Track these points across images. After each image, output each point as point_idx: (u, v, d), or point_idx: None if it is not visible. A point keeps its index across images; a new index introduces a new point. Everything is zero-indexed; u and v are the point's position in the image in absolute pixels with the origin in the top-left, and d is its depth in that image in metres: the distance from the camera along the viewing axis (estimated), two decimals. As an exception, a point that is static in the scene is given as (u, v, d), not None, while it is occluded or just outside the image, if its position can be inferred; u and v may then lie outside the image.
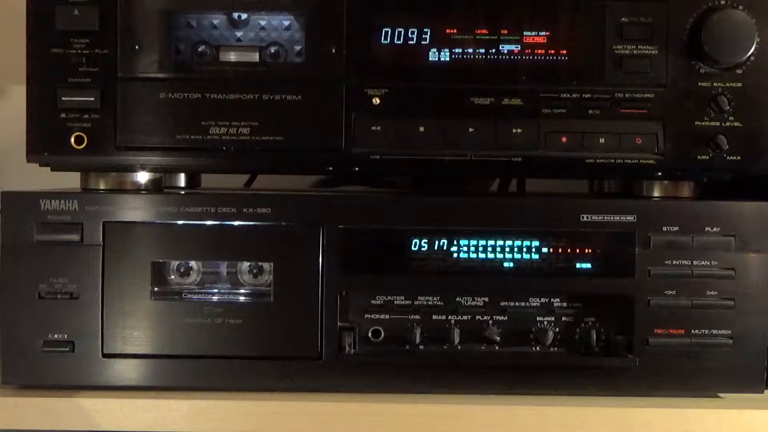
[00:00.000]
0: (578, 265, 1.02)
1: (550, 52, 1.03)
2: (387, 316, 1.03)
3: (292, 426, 1.00)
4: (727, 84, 1.02)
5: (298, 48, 1.02)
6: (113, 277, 1.01)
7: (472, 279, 1.02)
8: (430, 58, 1.03)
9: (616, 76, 1.02)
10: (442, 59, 1.03)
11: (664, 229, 1.02)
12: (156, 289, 1.02)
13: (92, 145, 1.01)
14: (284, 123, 1.02)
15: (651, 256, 1.02)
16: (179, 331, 1.01)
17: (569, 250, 1.02)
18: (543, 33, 1.03)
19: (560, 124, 1.02)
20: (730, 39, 1.00)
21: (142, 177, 1.05)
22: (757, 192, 1.04)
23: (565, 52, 1.03)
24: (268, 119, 1.02)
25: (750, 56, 1.01)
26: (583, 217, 1.02)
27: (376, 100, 1.02)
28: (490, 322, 1.03)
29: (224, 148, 1.02)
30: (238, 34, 1.02)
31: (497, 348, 1.03)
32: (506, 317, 1.03)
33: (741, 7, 1.01)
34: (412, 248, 1.02)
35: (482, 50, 1.03)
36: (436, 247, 1.02)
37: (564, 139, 1.03)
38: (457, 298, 1.03)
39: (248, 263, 1.02)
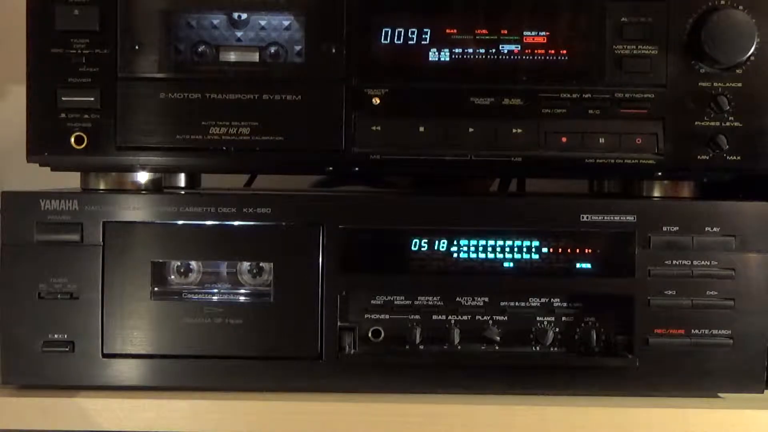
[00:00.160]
0: (578, 265, 1.02)
1: (550, 52, 1.03)
2: (387, 316, 1.03)
3: (292, 426, 1.00)
4: (727, 84, 1.02)
5: (298, 48, 1.02)
6: (113, 277, 1.01)
7: (472, 279, 1.02)
8: (430, 58, 1.03)
9: (616, 76, 1.02)
10: (442, 59, 1.03)
11: (664, 229, 1.02)
12: (156, 289, 1.02)
13: (92, 145, 1.01)
14: (284, 123, 1.02)
15: (651, 256, 1.02)
16: (179, 331, 1.01)
17: (569, 250, 1.02)
18: (543, 33, 1.03)
19: (560, 124, 1.02)
20: (730, 39, 1.00)
21: (142, 177, 1.05)
22: (757, 192, 1.04)
23: (565, 52, 1.03)
24: (268, 119, 1.02)
25: (750, 56, 1.01)
26: (583, 217, 1.02)
27: (376, 100, 1.02)
28: (490, 322, 1.03)
29: (224, 148, 1.02)
30: (238, 34, 1.02)
31: (497, 348, 1.03)
32: (506, 317, 1.03)
33: (741, 7, 1.01)
34: (412, 248, 1.02)
35: (482, 50, 1.03)
36: (436, 247, 1.02)
37: (564, 139, 1.03)
38: (457, 298, 1.03)
39: (248, 263, 1.02)
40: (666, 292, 1.01)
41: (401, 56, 1.03)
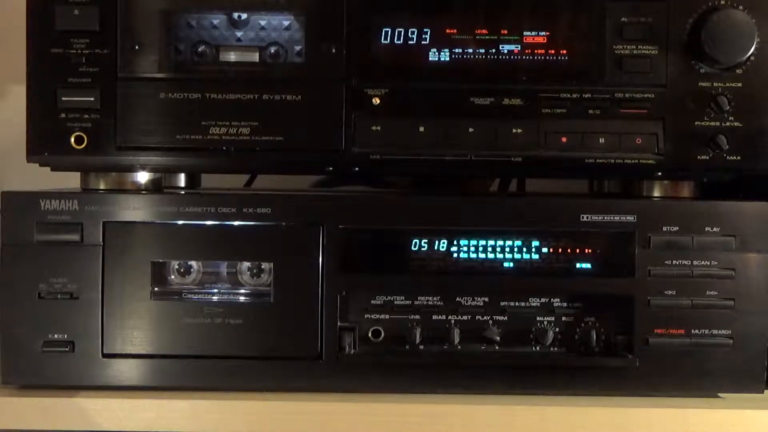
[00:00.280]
0: (578, 265, 1.02)
1: (550, 52, 1.03)
2: (387, 316, 1.03)
3: (292, 426, 1.00)
4: (727, 84, 1.02)
5: (298, 48, 1.02)
6: (113, 277, 1.01)
7: (472, 279, 1.02)
8: (430, 58, 1.03)
9: (616, 76, 1.02)
10: (442, 59, 1.03)
11: (664, 229, 1.02)
12: (156, 289, 1.02)
13: (92, 145, 1.01)
14: (284, 123, 1.02)
15: (651, 256, 1.02)
16: (179, 331, 1.01)
17: (569, 250, 1.02)
18: (543, 33, 1.03)
19: (560, 124, 1.03)
20: (730, 39, 1.00)
21: (142, 177, 1.05)
22: (757, 192, 1.04)
23: (565, 52, 1.03)
24: (268, 119, 1.02)
25: (750, 56, 1.01)
26: (583, 217, 1.02)
27: (376, 100, 1.02)
28: (490, 322, 1.03)
29: (224, 148, 1.02)
30: (238, 34, 1.02)
31: (497, 348, 1.03)
32: (506, 317, 1.03)
33: (741, 7, 1.01)
34: (412, 248, 1.02)
35: (482, 50, 1.03)
36: (436, 247, 1.02)
37: (564, 139, 1.03)
38: (457, 298, 1.03)
39: (248, 263, 1.02)
40: (666, 292, 1.01)
41: (401, 56, 1.03)
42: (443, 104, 1.02)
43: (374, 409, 1.00)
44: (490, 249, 1.02)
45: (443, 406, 1.00)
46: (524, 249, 1.02)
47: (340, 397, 1.01)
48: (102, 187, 1.05)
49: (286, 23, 1.02)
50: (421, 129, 1.02)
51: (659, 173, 1.03)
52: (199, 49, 1.02)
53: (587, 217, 1.02)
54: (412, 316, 1.03)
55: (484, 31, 1.03)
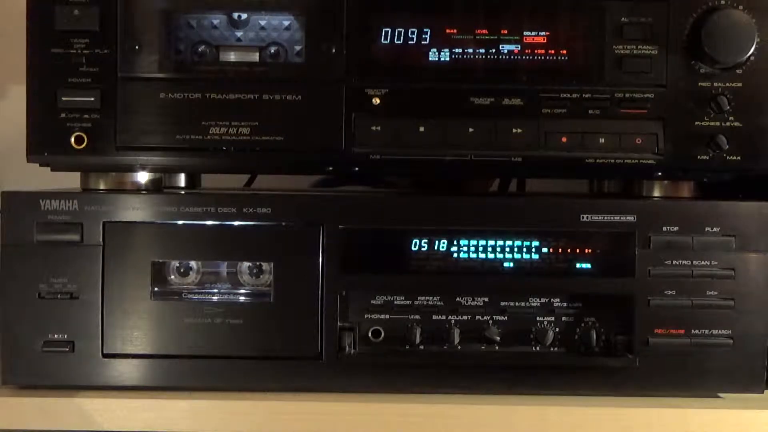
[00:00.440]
0: (578, 265, 1.02)
1: (550, 52, 1.03)
2: (387, 316, 1.03)
3: (292, 426, 1.00)
4: (727, 84, 1.02)
5: (298, 48, 1.02)
6: (113, 277, 1.01)
7: (472, 279, 1.02)
8: (430, 58, 1.03)
9: (616, 76, 1.02)
10: (442, 59, 1.03)
11: (664, 229, 1.02)
12: (156, 289, 1.02)
13: (92, 145, 1.01)
14: (284, 123, 1.02)
15: (651, 256, 1.02)
16: (179, 331, 1.01)
17: (569, 250, 1.02)
18: (543, 33, 1.03)
19: (560, 124, 1.03)
20: (730, 39, 1.00)
21: (142, 177, 1.06)
22: (757, 192, 1.04)
23: (565, 52, 1.03)
24: (268, 119, 1.02)
25: (750, 56, 1.01)
26: (583, 217, 1.02)
27: (376, 100, 1.02)
28: (490, 322, 1.03)
29: (224, 148, 1.02)
30: (238, 34, 1.02)
31: (497, 348, 1.03)
32: (506, 317, 1.03)
33: (741, 7, 1.01)
34: (412, 248, 1.02)
35: (482, 50, 1.03)
36: (436, 247, 1.02)
37: (564, 139, 1.03)
38: (457, 298, 1.03)
39: (248, 263, 1.02)
40: (666, 292, 1.01)
41: (401, 56, 1.03)
42: (443, 104, 1.02)
43: (374, 409, 1.00)
44: (490, 249, 1.02)
45: (443, 406, 1.00)
46: (524, 249, 1.02)
47: (340, 397, 1.01)
48: (102, 187, 1.05)
49: (286, 23, 1.02)
50: (421, 129, 1.02)
51: (659, 173, 1.03)
52: (199, 49, 1.02)
53: (587, 217, 1.02)
54: (412, 316, 1.03)
55: (484, 31, 1.03)
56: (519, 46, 1.03)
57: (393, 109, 1.02)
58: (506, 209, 1.03)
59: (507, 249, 1.02)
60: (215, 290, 1.03)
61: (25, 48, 1.01)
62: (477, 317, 1.03)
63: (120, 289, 1.01)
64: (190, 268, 1.03)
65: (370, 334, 1.03)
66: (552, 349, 1.03)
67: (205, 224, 1.01)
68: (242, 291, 1.03)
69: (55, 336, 1.00)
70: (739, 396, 1.03)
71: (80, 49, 1.01)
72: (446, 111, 1.02)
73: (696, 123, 1.02)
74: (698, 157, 1.02)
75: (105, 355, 1.01)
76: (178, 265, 1.02)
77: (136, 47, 1.02)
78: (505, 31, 1.03)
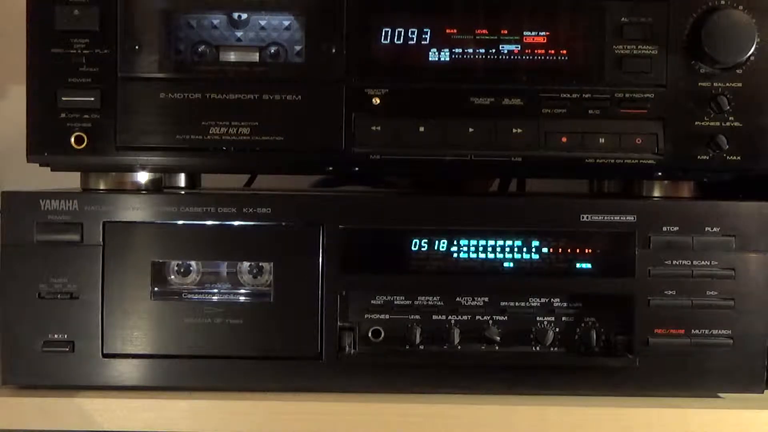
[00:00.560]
0: (578, 265, 1.02)
1: (550, 52, 1.03)
2: (387, 316, 1.03)
3: (292, 426, 1.00)
4: (727, 84, 1.02)
5: (298, 48, 1.02)
6: (113, 277, 1.01)
7: (472, 279, 1.02)
8: (430, 58, 1.03)
9: (616, 76, 1.02)
10: (442, 59, 1.03)
11: (664, 229, 1.02)
12: (156, 289, 1.02)
13: (92, 145, 1.01)
14: (284, 123, 1.02)
15: (651, 256, 1.02)
16: (179, 331, 1.01)
17: (569, 250, 1.02)
18: (543, 33, 1.03)
19: (560, 124, 1.03)
20: (730, 39, 1.00)
21: (142, 177, 1.06)
22: (757, 192, 1.04)
23: (565, 52, 1.03)
24: (268, 119, 1.02)
25: (750, 56, 1.01)
26: (583, 217, 1.02)
27: (376, 100, 1.02)
28: (490, 322, 1.03)
29: (224, 148, 1.02)
30: (238, 34, 1.02)
31: (497, 348, 1.03)
32: (506, 317, 1.03)
33: (741, 7, 1.01)
34: (412, 248, 1.02)
35: (482, 50, 1.03)
36: (436, 247, 1.02)
37: (564, 139, 1.03)
38: (457, 298, 1.03)
39: (248, 263, 1.02)
40: (666, 292, 1.01)
41: (401, 56, 1.03)
42: (443, 104, 1.02)
43: (374, 409, 1.00)
44: (490, 249, 1.02)
45: (443, 406, 1.00)
46: (524, 249, 1.02)
47: (340, 397, 1.01)
48: (102, 187, 1.05)
49: (286, 23, 1.02)
50: (421, 129, 1.02)
51: (659, 173, 1.03)
52: (199, 49, 1.02)
53: (587, 217, 1.02)
54: (412, 316, 1.03)
55: (484, 31, 1.03)
56: (519, 46, 1.03)
57: (393, 109, 1.02)
58: (506, 209, 1.03)
59: (507, 249, 1.02)
60: (215, 290, 1.03)
61: (25, 48, 1.01)
62: (477, 317, 1.03)
63: (120, 289, 1.01)
64: (190, 268, 1.03)
65: (370, 334, 1.03)
66: (552, 349, 1.03)
67: (205, 224, 1.01)
68: (242, 291, 1.03)
69: (55, 336, 1.00)
70: (739, 396, 1.03)
71: (80, 49, 1.01)
72: (446, 111, 1.02)
73: (696, 123, 1.02)
74: (698, 157, 1.02)
75: (105, 355, 1.01)
76: (178, 265, 1.02)
77: (136, 47, 1.02)
78: (505, 31, 1.03)
